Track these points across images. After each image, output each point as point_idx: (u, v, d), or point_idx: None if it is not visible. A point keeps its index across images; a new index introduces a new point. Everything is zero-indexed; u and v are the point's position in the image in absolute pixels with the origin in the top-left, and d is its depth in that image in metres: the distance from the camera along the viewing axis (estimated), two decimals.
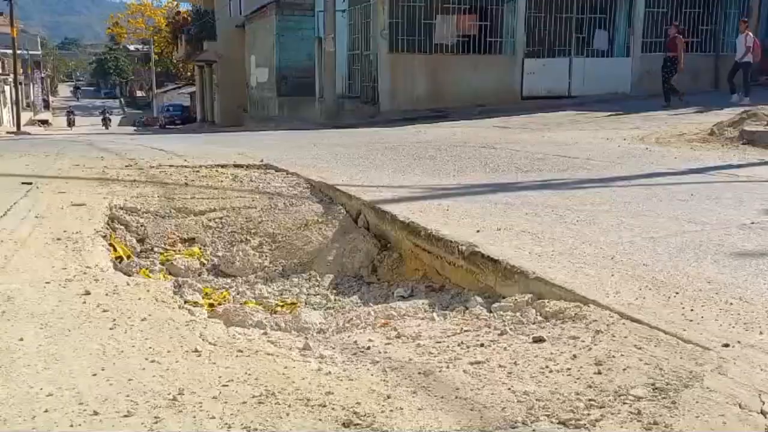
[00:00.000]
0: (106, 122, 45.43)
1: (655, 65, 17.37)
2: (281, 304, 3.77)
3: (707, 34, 18.12)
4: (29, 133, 28.12)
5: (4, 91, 40.23)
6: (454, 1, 16.24)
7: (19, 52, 35.60)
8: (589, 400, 1.87)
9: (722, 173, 5.92)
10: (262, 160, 6.52)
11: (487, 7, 16.51)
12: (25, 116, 40.10)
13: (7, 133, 28.94)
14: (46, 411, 1.77)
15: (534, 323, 2.53)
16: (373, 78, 16.47)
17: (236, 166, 6.34)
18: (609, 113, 13.11)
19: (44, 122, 45.32)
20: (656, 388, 1.90)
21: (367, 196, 4.77)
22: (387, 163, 6.82)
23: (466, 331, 2.54)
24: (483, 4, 16.47)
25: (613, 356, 2.12)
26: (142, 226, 4.59)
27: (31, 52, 53.75)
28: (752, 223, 3.85)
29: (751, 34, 13.41)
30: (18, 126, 31.85)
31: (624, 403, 1.83)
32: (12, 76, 35.23)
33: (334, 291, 3.95)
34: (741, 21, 14.26)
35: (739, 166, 6.32)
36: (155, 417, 1.75)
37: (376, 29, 15.89)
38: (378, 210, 4.42)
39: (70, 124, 43.80)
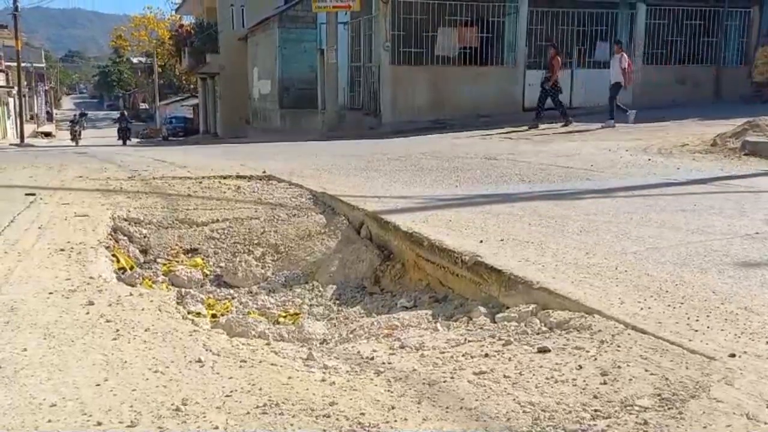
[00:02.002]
0: (124, 134, 32.98)
1: (657, 77, 17.47)
2: (284, 314, 3.77)
3: (708, 45, 18.19)
4: (33, 145, 28.19)
5: (8, 104, 40.41)
6: (455, 13, 16.32)
7: (23, 64, 35.81)
8: (595, 410, 1.85)
9: (725, 184, 5.91)
10: (264, 171, 6.53)
11: (489, 20, 16.58)
12: (29, 128, 40.04)
13: (11, 145, 29.05)
14: (49, 421, 1.76)
15: (538, 333, 2.52)
16: (375, 89, 16.52)
17: (239, 177, 6.35)
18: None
19: (48, 134, 45.17)
20: (662, 399, 1.89)
21: (370, 206, 4.77)
22: (389, 173, 6.83)
23: (470, 341, 2.53)
24: (484, 17, 16.54)
25: (619, 366, 2.10)
26: (145, 237, 4.60)
27: (35, 65, 54.05)
28: (756, 233, 3.84)
29: (625, 55, 13.30)
30: (22, 138, 31.98)
31: (630, 414, 1.82)
32: (16, 88, 35.44)
33: (337, 301, 3.94)
34: (615, 43, 14.12)
35: (741, 177, 6.32)
36: (159, 427, 1.75)
37: (379, 41, 15.97)
38: (381, 220, 4.42)
39: (75, 137, 32.53)
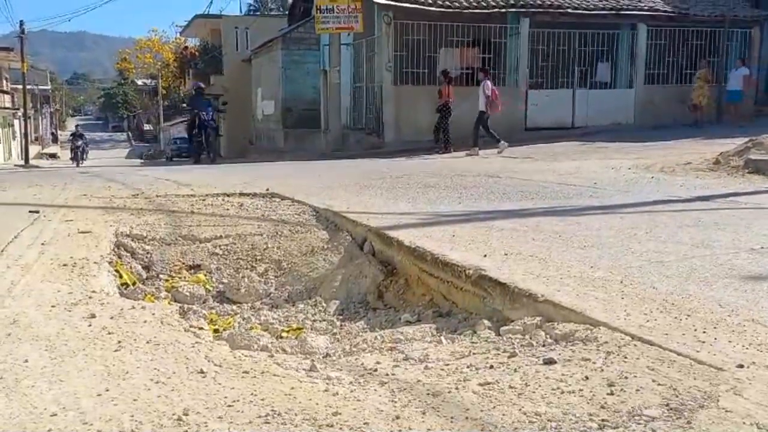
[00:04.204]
0: (206, 139, 16.63)
1: (658, 96, 17.54)
2: (287, 329, 3.74)
3: (709, 66, 18.26)
4: (38, 167, 28.30)
5: (13, 125, 40.67)
6: (457, 34, 16.45)
7: (28, 87, 36.12)
8: (602, 420, 1.83)
9: (729, 200, 5.90)
10: (267, 189, 6.54)
11: (490, 41, 16.71)
12: (34, 150, 40.22)
13: (15, 166, 29.19)
14: (49, 430, 1.74)
15: (544, 345, 2.50)
16: (377, 109, 16.61)
17: (242, 194, 6.36)
18: (613, 143, 13.16)
19: (52, 155, 45.34)
20: (671, 409, 1.86)
21: (373, 222, 4.76)
22: (392, 191, 6.83)
23: (474, 353, 2.50)
24: (486, 38, 16.67)
25: (626, 377, 2.08)
26: (148, 253, 4.59)
27: (40, 87, 54.50)
28: (761, 247, 3.82)
29: (489, 83, 13.42)
30: (26, 159, 32.12)
31: (638, 423, 1.80)
32: (21, 110, 35.71)
33: (340, 317, 3.92)
34: (480, 70, 14.27)
35: (745, 194, 6.30)
36: None
37: (381, 62, 16.09)
38: (384, 236, 4.41)
39: (78, 157, 28.48)
